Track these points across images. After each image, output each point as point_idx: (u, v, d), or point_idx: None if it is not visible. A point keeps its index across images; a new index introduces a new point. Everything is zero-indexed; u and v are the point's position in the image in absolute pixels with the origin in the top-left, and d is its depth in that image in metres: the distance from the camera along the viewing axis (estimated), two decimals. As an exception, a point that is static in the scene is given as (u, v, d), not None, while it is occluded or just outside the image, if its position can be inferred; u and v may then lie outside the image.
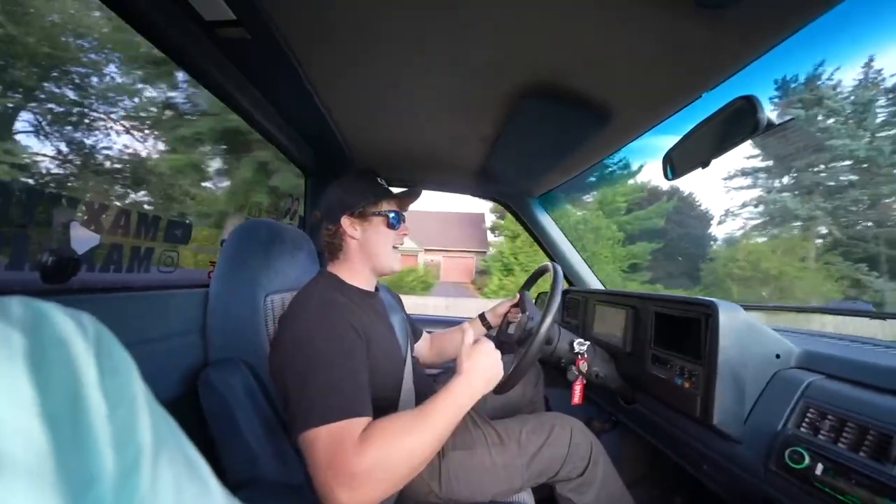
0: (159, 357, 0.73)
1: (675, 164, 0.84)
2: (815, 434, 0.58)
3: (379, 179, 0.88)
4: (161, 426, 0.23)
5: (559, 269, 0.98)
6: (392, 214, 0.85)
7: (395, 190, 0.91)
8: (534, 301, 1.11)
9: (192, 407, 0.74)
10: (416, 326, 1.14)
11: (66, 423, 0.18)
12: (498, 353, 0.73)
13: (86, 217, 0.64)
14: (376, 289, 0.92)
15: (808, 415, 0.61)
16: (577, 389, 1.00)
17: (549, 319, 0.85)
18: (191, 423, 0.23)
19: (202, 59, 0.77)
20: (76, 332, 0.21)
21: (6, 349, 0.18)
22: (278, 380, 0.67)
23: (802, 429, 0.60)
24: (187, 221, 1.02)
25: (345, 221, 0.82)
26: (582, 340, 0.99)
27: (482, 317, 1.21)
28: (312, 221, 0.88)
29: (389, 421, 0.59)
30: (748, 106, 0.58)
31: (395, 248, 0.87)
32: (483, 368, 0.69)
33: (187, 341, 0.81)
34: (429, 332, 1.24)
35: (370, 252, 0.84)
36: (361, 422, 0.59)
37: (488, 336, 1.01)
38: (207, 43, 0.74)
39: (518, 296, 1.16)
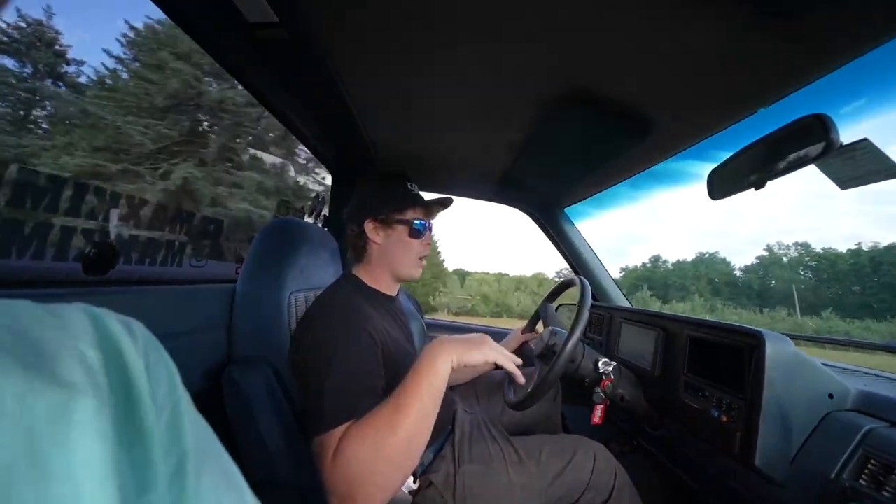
0: (184, 351, 0.74)
1: (722, 182, 0.79)
2: (879, 490, 0.53)
3: (409, 185, 0.85)
4: (200, 432, 0.24)
5: (587, 283, 0.94)
6: (417, 223, 0.82)
7: (427, 196, 0.88)
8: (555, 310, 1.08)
9: (213, 403, 0.74)
10: (428, 335, 1.13)
11: (125, 430, 0.19)
12: (479, 334, 0.67)
13: (126, 211, 0.66)
14: (397, 293, 0.90)
15: (870, 466, 0.55)
16: (599, 409, 0.95)
17: (575, 337, 0.82)
18: (212, 420, 0.22)
19: (242, 59, 0.78)
20: (128, 340, 0.22)
21: (84, 360, 0.19)
22: (298, 380, 0.68)
23: (862, 481, 0.55)
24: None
25: (368, 225, 0.81)
26: (608, 360, 0.95)
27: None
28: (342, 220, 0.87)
29: (358, 426, 0.55)
30: (818, 124, 0.54)
31: (419, 258, 0.84)
32: (451, 337, 0.64)
33: (212, 337, 0.83)
34: None
35: (391, 258, 0.83)
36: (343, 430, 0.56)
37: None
38: (248, 43, 0.75)
39: (538, 318, 1.13)
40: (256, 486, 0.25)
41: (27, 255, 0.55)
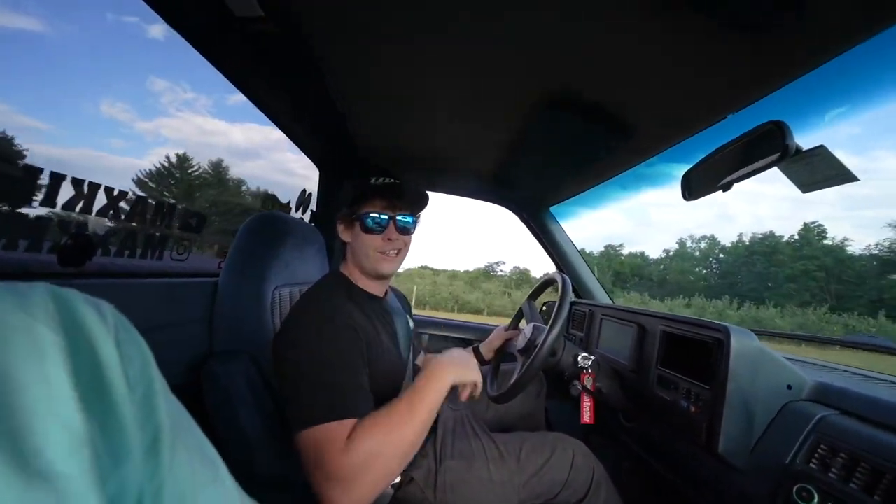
0: (165, 345, 0.74)
1: (694, 184, 0.83)
2: (826, 472, 0.57)
3: (374, 179, 0.80)
4: (174, 410, 0.24)
5: (567, 279, 0.97)
6: (368, 218, 0.78)
7: (380, 185, 0.81)
8: (538, 311, 1.10)
9: (194, 396, 0.74)
10: (418, 333, 1.14)
11: (94, 405, 0.19)
12: (467, 355, 0.78)
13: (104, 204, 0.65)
14: (386, 293, 0.91)
15: (819, 451, 0.59)
16: (587, 407, 0.97)
17: (555, 331, 0.84)
18: (192, 412, 0.23)
19: (228, 53, 0.78)
20: (97, 320, 0.22)
21: (36, 341, 0.19)
22: (279, 375, 0.68)
23: (812, 465, 0.59)
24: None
25: (340, 226, 0.83)
26: (587, 355, 0.98)
27: (476, 350, 1.19)
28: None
29: (373, 419, 0.61)
30: (777, 131, 0.57)
31: (382, 252, 0.80)
32: (453, 357, 0.74)
33: (194, 330, 0.82)
34: (427, 337, 1.23)
35: (356, 255, 0.82)
36: (352, 423, 0.60)
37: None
38: (234, 36, 0.74)
39: (521, 316, 1.15)
40: (237, 478, 0.26)
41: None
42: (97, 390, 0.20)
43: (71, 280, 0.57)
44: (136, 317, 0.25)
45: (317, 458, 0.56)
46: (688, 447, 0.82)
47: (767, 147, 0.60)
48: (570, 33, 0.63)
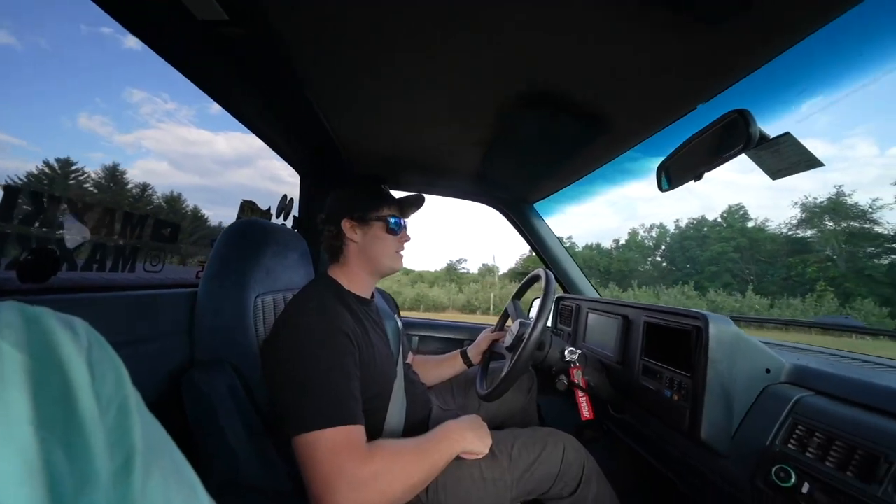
0: (145, 358, 0.72)
1: (670, 175, 0.84)
2: (803, 452, 0.58)
3: (384, 186, 0.90)
4: (150, 430, 0.24)
5: (551, 275, 0.98)
6: (392, 220, 0.86)
7: (400, 196, 0.93)
8: (525, 311, 1.11)
9: (176, 408, 0.72)
10: (407, 334, 1.14)
11: (60, 427, 0.19)
12: (485, 427, 0.82)
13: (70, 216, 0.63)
14: (372, 295, 0.92)
15: (797, 431, 0.60)
16: (584, 402, 0.97)
17: (540, 325, 0.85)
18: (175, 424, 0.23)
19: (196, 59, 0.77)
20: (68, 338, 0.21)
21: None
22: (271, 381, 0.69)
23: (790, 446, 0.60)
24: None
25: (345, 224, 0.84)
26: (573, 349, 0.99)
27: (464, 354, 1.20)
28: (318, 224, 0.90)
29: (395, 442, 0.68)
30: (741, 119, 0.58)
31: (396, 252, 0.88)
32: (481, 433, 0.79)
33: (174, 342, 0.80)
34: (418, 339, 1.23)
35: (370, 255, 0.86)
36: (358, 429, 0.63)
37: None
38: (201, 42, 0.73)
39: (507, 316, 1.16)
40: (221, 487, 0.26)
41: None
42: (64, 412, 0.19)
43: (43, 296, 0.55)
44: (113, 331, 0.24)
45: (332, 459, 0.58)
46: (673, 435, 0.83)
47: (733, 136, 0.61)
48: (541, 34, 0.64)
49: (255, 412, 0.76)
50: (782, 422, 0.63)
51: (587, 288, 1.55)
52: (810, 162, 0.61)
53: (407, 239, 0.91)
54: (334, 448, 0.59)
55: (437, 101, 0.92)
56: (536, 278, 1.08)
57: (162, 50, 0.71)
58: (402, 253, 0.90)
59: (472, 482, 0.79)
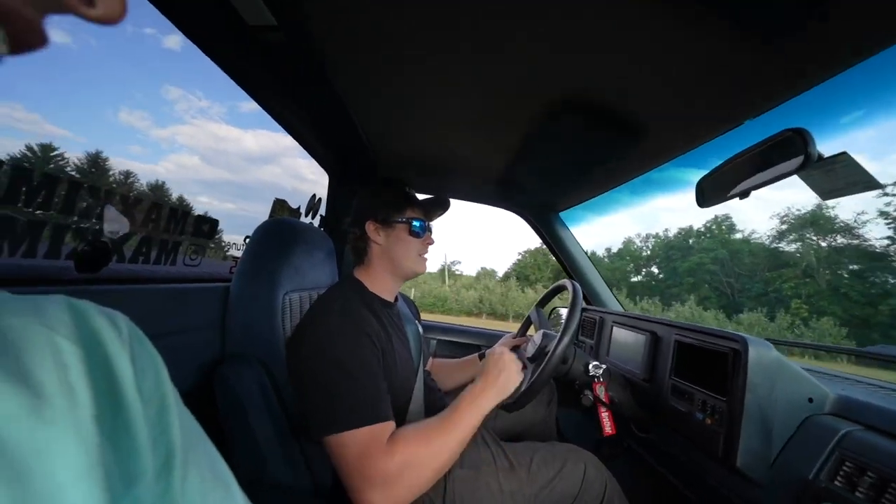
0: (177, 350, 0.74)
1: (710, 191, 0.81)
2: (852, 491, 0.54)
3: (408, 189, 0.90)
4: (187, 426, 0.23)
5: (578, 287, 0.96)
6: (416, 223, 0.86)
7: (423, 198, 0.93)
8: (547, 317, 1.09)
9: (205, 401, 0.74)
10: (427, 339, 1.14)
11: (109, 423, 0.19)
12: (518, 366, 0.80)
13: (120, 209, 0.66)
14: (396, 299, 0.92)
15: (845, 468, 0.57)
16: (606, 418, 0.94)
17: (566, 339, 0.83)
18: (204, 417, 0.23)
19: (240, 60, 0.79)
20: (112, 333, 0.21)
21: (58, 353, 0.18)
22: (297, 380, 0.69)
23: (838, 482, 0.57)
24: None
25: (369, 227, 0.85)
26: (598, 363, 0.96)
27: (482, 357, 1.18)
28: (344, 225, 0.92)
29: (416, 427, 0.67)
30: (798, 138, 0.56)
31: (419, 255, 0.89)
32: (505, 376, 0.77)
33: (206, 336, 0.83)
34: (435, 343, 1.23)
35: (392, 257, 0.86)
36: (387, 426, 0.64)
37: None
38: (247, 46, 0.75)
39: (529, 323, 1.14)
40: (247, 485, 0.26)
41: (18, 253, 0.55)
42: (112, 406, 0.19)
43: (87, 286, 0.58)
44: (149, 323, 0.25)
45: (358, 460, 0.60)
46: (703, 460, 0.80)
47: (787, 154, 0.59)
48: (581, 38, 0.62)
49: (282, 410, 0.77)
50: (828, 456, 0.60)
51: (611, 300, 1.52)
52: (868, 183, 0.58)
53: (431, 242, 0.91)
54: (363, 448, 0.60)
55: (467, 107, 0.92)
56: (562, 288, 1.06)
57: (210, 51, 0.74)
58: (425, 256, 0.90)
59: (489, 494, 0.78)
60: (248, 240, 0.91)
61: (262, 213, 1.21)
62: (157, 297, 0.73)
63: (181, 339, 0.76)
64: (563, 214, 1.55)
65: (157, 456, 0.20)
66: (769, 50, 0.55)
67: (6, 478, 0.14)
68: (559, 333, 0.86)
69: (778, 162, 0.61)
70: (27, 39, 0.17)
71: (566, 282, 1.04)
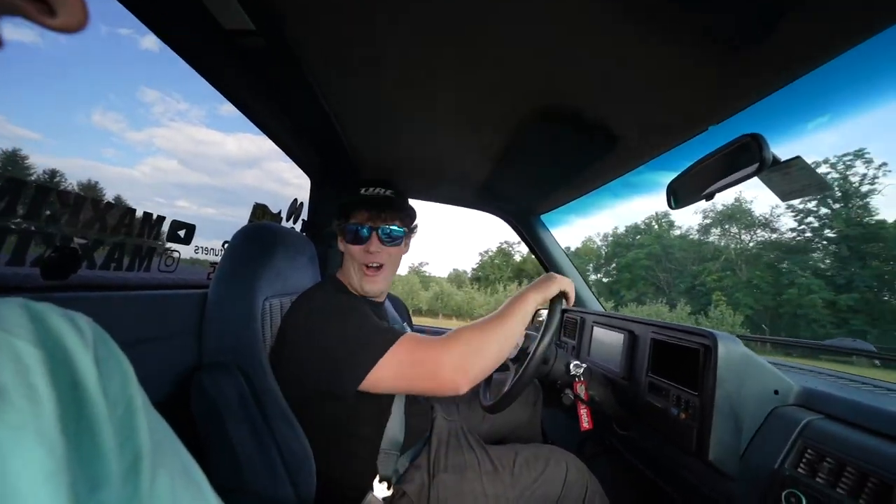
0: (153, 358, 0.72)
1: (679, 193, 0.85)
2: (813, 476, 0.57)
3: (363, 190, 0.82)
4: (156, 428, 0.23)
5: None
6: (351, 227, 0.81)
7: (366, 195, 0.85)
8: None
9: (182, 409, 0.72)
10: None
11: (73, 426, 0.18)
12: (555, 275, 0.85)
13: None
14: (383, 301, 0.92)
15: (807, 455, 0.60)
16: (584, 414, 0.96)
17: (547, 339, 0.84)
18: (180, 426, 0.23)
19: (219, 65, 0.78)
20: (73, 334, 0.21)
21: (17, 356, 0.18)
22: (307, 354, 0.70)
23: (800, 470, 0.59)
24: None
25: (338, 235, 0.87)
26: (579, 363, 0.98)
27: None
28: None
29: (473, 325, 0.72)
30: (754, 143, 0.59)
31: (366, 265, 0.82)
32: (545, 282, 0.82)
33: (182, 343, 0.81)
34: None
35: (346, 270, 0.86)
36: (409, 334, 0.69)
37: None
38: (225, 50, 0.75)
39: None
40: (225, 492, 0.26)
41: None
42: (76, 408, 0.19)
43: (54, 294, 0.56)
44: (123, 330, 0.24)
45: (421, 361, 0.64)
46: (680, 455, 0.83)
47: (745, 158, 0.62)
48: (556, 48, 0.65)
49: (261, 417, 0.76)
50: (791, 445, 0.63)
51: (592, 301, 1.55)
52: (821, 185, 0.62)
53: (374, 252, 0.79)
54: (415, 350, 0.65)
55: (447, 112, 0.94)
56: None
57: (187, 55, 0.73)
58: (369, 271, 0.80)
59: (472, 497, 0.79)
60: (226, 245, 0.90)
61: (244, 218, 1.19)
62: (131, 304, 0.71)
63: (156, 347, 0.74)
64: (544, 217, 1.58)
65: (123, 459, 0.20)
66: (728, 60, 0.58)
67: None
68: (539, 334, 0.87)
69: (738, 165, 0.64)
70: None
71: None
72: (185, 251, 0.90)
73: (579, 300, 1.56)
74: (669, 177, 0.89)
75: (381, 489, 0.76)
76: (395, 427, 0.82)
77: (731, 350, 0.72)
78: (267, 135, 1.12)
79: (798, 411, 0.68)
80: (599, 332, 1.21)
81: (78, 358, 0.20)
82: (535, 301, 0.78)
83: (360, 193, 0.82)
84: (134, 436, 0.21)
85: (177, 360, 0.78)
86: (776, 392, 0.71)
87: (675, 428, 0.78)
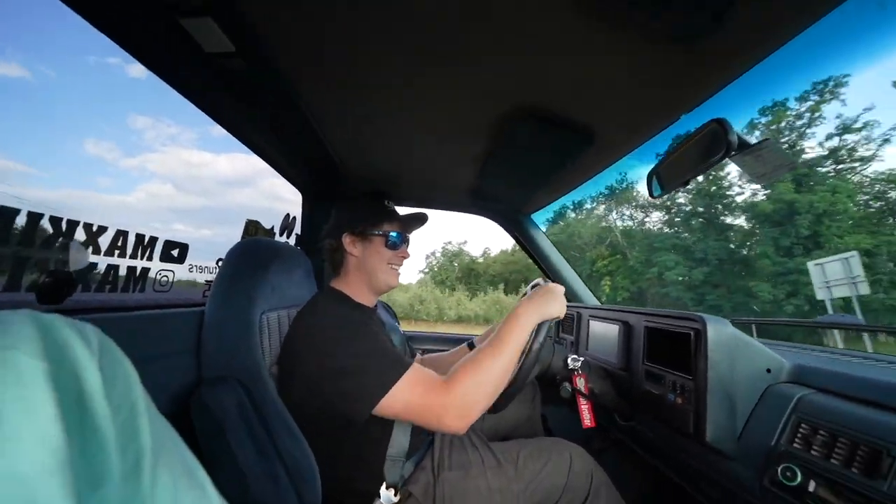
0: (152, 377, 0.73)
1: (658, 182, 0.87)
2: (808, 450, 0.58)
3: (387, 203, 0.94)
4: (160, 432, 0.24)
5: (550, 283, 0.99)
6: (393, 234, 0.90)
7: (403, 213, 0.97)
8: None
9: (184, 426, 0.73)
10: (410, 347, 1.16)
11: (76, 429, 0.19)
12: (560, 290, 0.85)
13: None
14: (375, 306, 0.94)
15: (801, 430, 0.61)
16: (585, 410, 0.95)
17: (541, 336, 0.85)
18: (185, 442, 0.24)
19: (203, 88, 0.81)
20: (80, 344, 0.22)
21: (17, 368, 0.19)
22: (312, 375, 0.72)
23: (795, 444, 0.60)
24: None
25: (346, 239, 0.88)
26: (576, 356, 0.99)
27: (471, 345, 1.20)
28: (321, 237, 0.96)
29: (467, 357, 0.73)
30: (720, 128, 0.61)
31: (392, 266, 0.91)
32: (546, 298, 0.81)
33: (181, 361, 0.81)
34: (421, 353, 1.24)
35: (367, 269, 0.89)
36: (419, 366, 0.71)
37: None
38: (208, 72, 0.77)
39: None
40: None
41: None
42: (80, 414, 0.20)
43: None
44: (123, 350, 0.25)
45: (424, 398, 0.66)
46: (681, 441, 0.83)
47: (715, 144, 0.64)
48: (531, 54, 0.67)
49: (263, 430, 0.76)
50: (786, 421, 0.64)
51: (587, 296, 1.56)
52: (792, 165, 0.64)
53: (406, 255, 0.94)
54: (418, 389, 0.66)
55: (431, 120, 0.96)
56: (537, 286, 1.09)
57: (171, 79, 0.75)
58: (397, 269, 0.93)
59: (477, 493, 0.79)
60: (220, 262, 0.91)
61: (238, 237, 1.21)
62: (128, 324, 0.72)
63: (155, 366, 0.74)
64: (535, 216, 1.60)
65: (126, 459, 0.21)
66: (686, 51, 0.61)
67: None
68: (534, 331, 0.88)
69: (709, 150, 0.66)
70: None
71: (540, 281, 1.07)
72: (179, 271, 0.91)
73: (575, 295, 1.57)
74: (646, 167, 0.92)
75: (388, 496, 0.76)
76: (400, 434, 0.82)
77: (720, 332, 0.73)
78: (256, 153, 1.15)
79: (791, 387, 0.69)
80: (596, 326, 1.22)
81: (83, 366, 0.21)
82: (533, 324, 0.79)
83: (385, 206, 0.94)
84: (137, 437, 0.22)
85: (176, 378, 0.79)
86: (768, 370, 0.72)
87: (673, 413, 0.79)
